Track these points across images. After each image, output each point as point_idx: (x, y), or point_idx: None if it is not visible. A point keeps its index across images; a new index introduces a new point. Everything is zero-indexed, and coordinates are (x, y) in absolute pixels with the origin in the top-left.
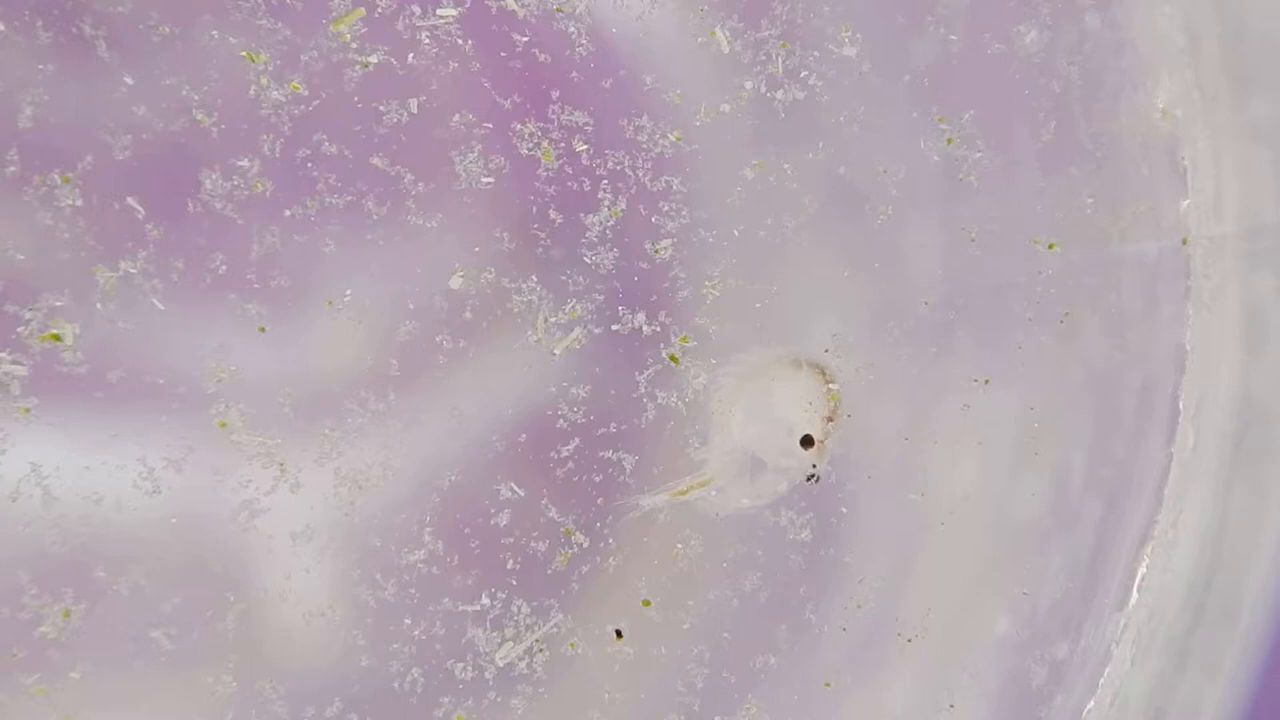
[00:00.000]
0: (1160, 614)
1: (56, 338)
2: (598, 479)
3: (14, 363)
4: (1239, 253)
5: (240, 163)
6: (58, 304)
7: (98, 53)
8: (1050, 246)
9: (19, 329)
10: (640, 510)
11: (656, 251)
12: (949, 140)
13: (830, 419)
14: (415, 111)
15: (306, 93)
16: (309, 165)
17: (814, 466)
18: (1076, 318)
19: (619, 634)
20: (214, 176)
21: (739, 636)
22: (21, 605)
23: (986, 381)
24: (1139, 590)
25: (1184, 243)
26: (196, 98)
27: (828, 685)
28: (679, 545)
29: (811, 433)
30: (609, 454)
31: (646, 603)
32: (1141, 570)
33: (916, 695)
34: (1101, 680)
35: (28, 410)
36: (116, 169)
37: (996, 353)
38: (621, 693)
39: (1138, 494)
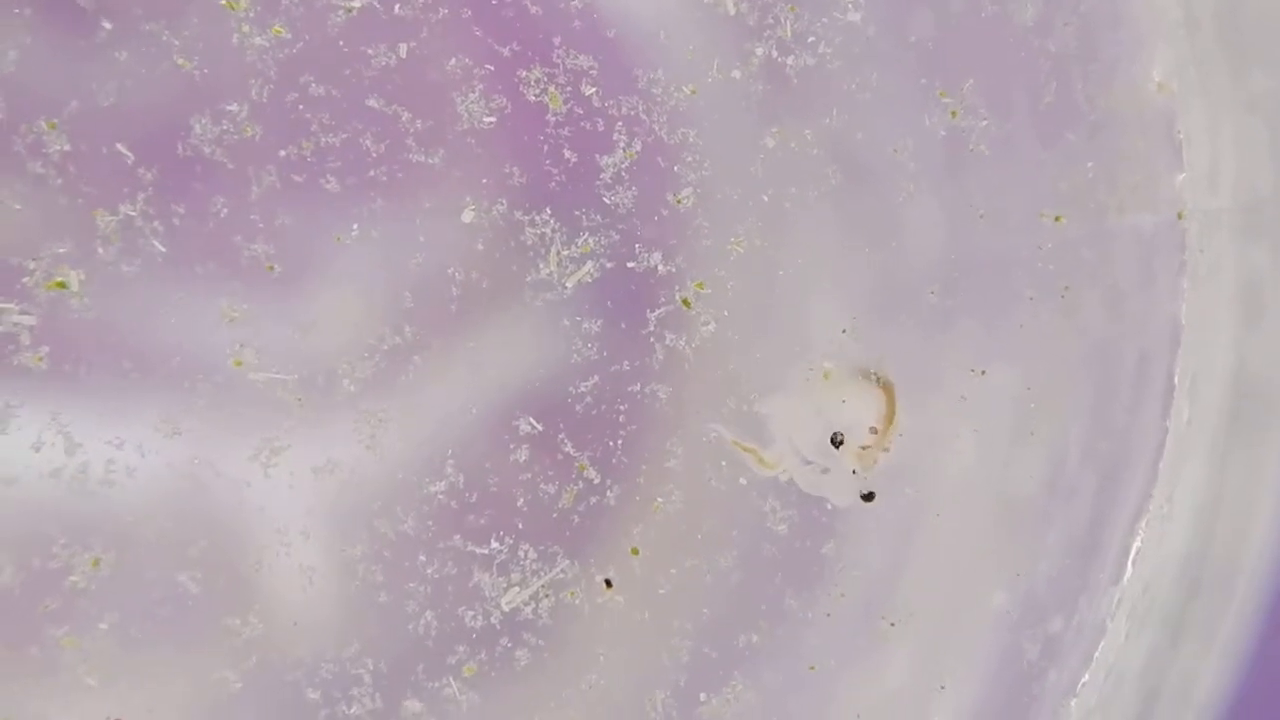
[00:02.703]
0: (1155, 588)
1: (62, 285)
2: (622, 407)
3: (22, 313)
4: (1234, 226)
5: (229, 107)
6: (60, 251)
7: None
8: (1057, 219)
9: (24, 279)
10: (703, 433)
11: (679, 201)
12: (953, 113)
13: (876, 429)
14: (404, 56)
15: (290, 36)
16: (300, 107)
17: (853, 472)
18: (1075, 292)
19: (609, 583)
20: (204, 121)
21: (717, 612)
22: (52, 555)
23: (983, 372)
24: (1134, 564)
25: (1180, 216)
26: (177, 43)
27: (812, 669)
28: (659, 499)
29: (844, 434)
30: (636, 388)
31: (635, 551)
32: (1136, 544)
33: (907, 677)
34: (1096, 655)
35: (41, 359)
36: (103, 115)
37: (1000, 335)
38: (614, 651)
39: (1134, 468)
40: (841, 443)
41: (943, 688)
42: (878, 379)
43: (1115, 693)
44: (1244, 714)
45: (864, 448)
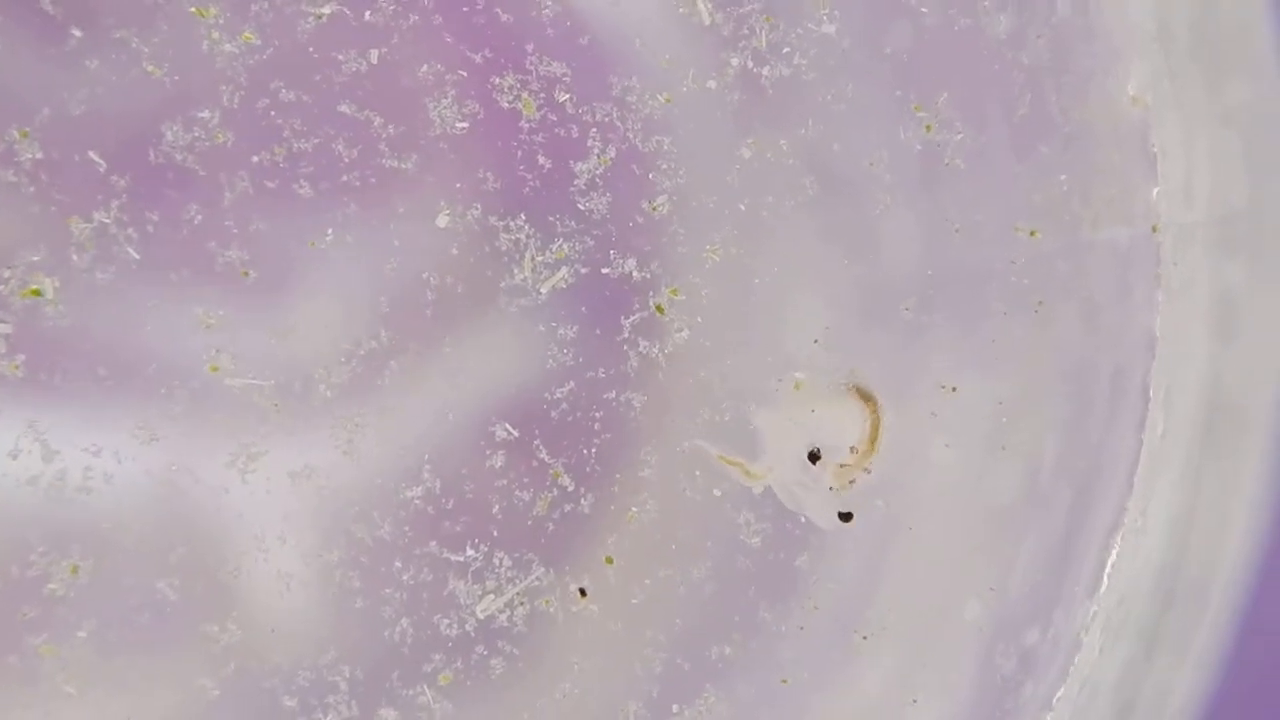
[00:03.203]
0: (1130, 600)
1: (37, 292)
2: (597, 414)
3: None
4: (1209, 240)
5: (201, 114)
6: (35, 259)
7: (41, 4)
8: (1032, 233)
9: None
10: (678, 443)
11: (654, 208)
12: (928, 126)
13: (854, 449)
14: (375, 62)
15: (260, 42)
16: (271, 113)
17: (830, 489)
18: (1049, 306)
19: (583, 592)
20: (175, 128)
21: (690, 623)
22: (29, 563)
23: (954, 389)
24: (1109, 577)
25: (1154, 229)
26: (147, 50)
27: (785, 682)
28: (634, 509)
29: (820, 449)
30: (611, 395)
31: (609, 560)
32: (1111, 557)
33: (881, 690)
34: (1072, 667)
35: (17, 367)
36: (75, 122)
37: (974, 348)
38: (588, 660)
39: (1108, 481)
40: (818, 457)
41: (915, 701)
42: (862, 396)
43: (1090, 705)
44: None
45: (842, 465)
